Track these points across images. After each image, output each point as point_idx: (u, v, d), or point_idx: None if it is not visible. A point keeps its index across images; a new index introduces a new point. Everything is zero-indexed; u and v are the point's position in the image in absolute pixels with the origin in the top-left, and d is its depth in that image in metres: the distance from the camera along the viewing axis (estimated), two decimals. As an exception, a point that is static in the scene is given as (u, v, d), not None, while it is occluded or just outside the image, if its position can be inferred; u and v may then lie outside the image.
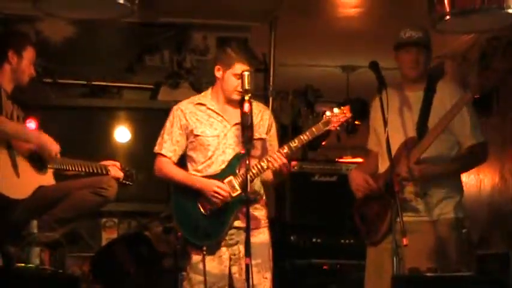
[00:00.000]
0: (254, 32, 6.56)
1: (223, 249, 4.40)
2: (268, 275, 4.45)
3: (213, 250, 4.38)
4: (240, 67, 4.36)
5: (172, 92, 6.63)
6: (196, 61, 6.74)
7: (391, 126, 4.20)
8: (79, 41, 6.27)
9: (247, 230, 3.98)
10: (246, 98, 4.18)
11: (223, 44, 4.99)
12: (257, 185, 4.51)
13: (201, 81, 6.57)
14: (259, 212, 4.51)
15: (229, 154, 4.45)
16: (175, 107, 4.60)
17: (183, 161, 4.61)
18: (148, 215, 6.41)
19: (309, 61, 7.76)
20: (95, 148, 6.22)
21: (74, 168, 4.73)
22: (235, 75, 4.38)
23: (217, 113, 4.50)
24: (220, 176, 4.41)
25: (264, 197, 4.56)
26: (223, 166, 4.43)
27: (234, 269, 4.42)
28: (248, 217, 3.99)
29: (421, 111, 4.47)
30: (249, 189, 4.14)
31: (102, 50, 6.42)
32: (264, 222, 4.51)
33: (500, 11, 3.92)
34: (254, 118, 4.38)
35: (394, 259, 3.89)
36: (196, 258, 4.39)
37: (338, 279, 6.64)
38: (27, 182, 4.51)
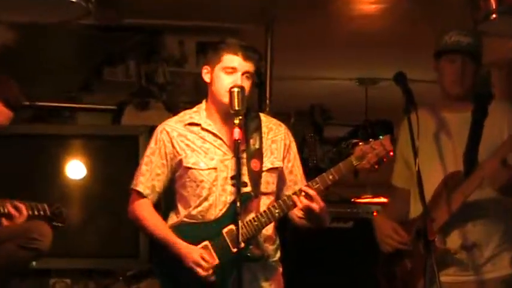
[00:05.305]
0: (244, 36, 6.46)
1: None
2: None
3: None
4: (229, 58, 4.20)
5: (140, 114, 6.57)
6: (170, 74, 6.69)
7: (425, 158, 4.15)
8: (20, 51, 6.24)
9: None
10: (236, 121, 4.00)
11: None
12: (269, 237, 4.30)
13: (177, 100, 6.53)
14: (274, 267, 4.35)
15: (233, 192, 4.14)
16: (159, 128, 4.33)
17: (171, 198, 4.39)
18: (110, 274, 6.38)
19: (316, 73, 7.77)
20: (41, 187, 6.17)
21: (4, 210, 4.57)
22: (224, 69, 4.19)
23: (214, 134, 4.25)
24: (218, 224, 4.17)
25: (278, 253, 4.37)
26: (224, 210, 4.20)
27: None
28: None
29: (469, 138, 4.36)
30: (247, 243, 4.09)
31: (50, 62, 6.38)
32: (279, 280, 4.36)
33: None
34: (263, 140, 4.30)
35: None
36: None
37: None
38: None
